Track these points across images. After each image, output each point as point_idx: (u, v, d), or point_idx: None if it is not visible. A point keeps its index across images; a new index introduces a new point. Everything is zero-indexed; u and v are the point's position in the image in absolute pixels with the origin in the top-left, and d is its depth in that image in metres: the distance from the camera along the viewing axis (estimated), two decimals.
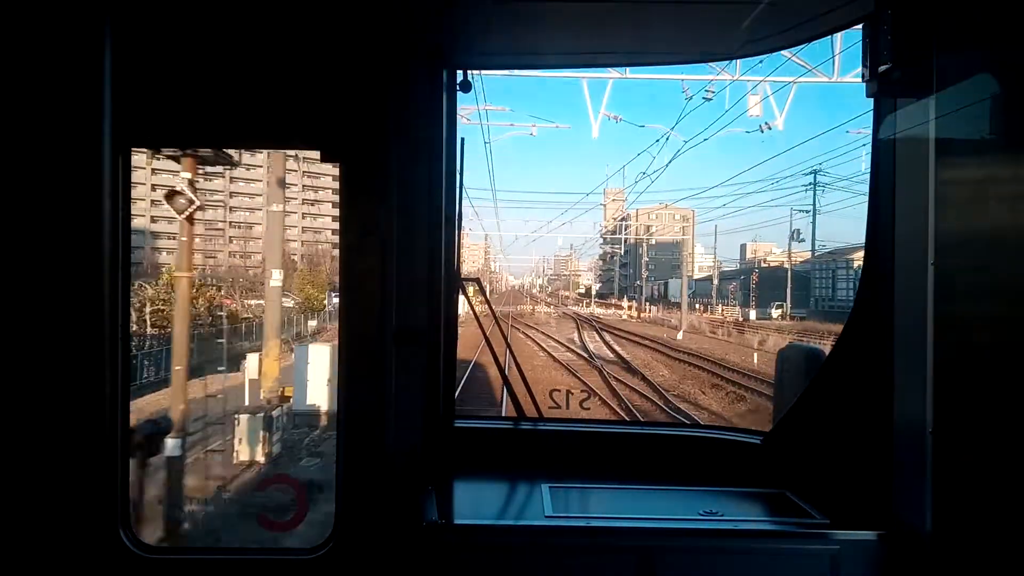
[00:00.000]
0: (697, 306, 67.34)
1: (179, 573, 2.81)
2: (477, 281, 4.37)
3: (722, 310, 61.35)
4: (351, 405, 2.80)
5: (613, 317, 60.61)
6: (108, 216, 2.60)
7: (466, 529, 2.82)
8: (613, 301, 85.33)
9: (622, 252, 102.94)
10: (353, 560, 2.73)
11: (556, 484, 3.20)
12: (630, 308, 70.39)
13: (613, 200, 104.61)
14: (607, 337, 39.13)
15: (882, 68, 2.86)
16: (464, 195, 3.35)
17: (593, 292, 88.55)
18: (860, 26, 2.98)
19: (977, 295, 2.47)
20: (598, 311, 69.65)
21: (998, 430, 2.29)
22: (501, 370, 3.96)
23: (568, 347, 32.95)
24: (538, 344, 34.15)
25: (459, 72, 3.27)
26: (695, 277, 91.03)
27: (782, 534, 2.90)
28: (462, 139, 3.26)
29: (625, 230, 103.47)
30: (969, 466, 2.47)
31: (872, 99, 3.00)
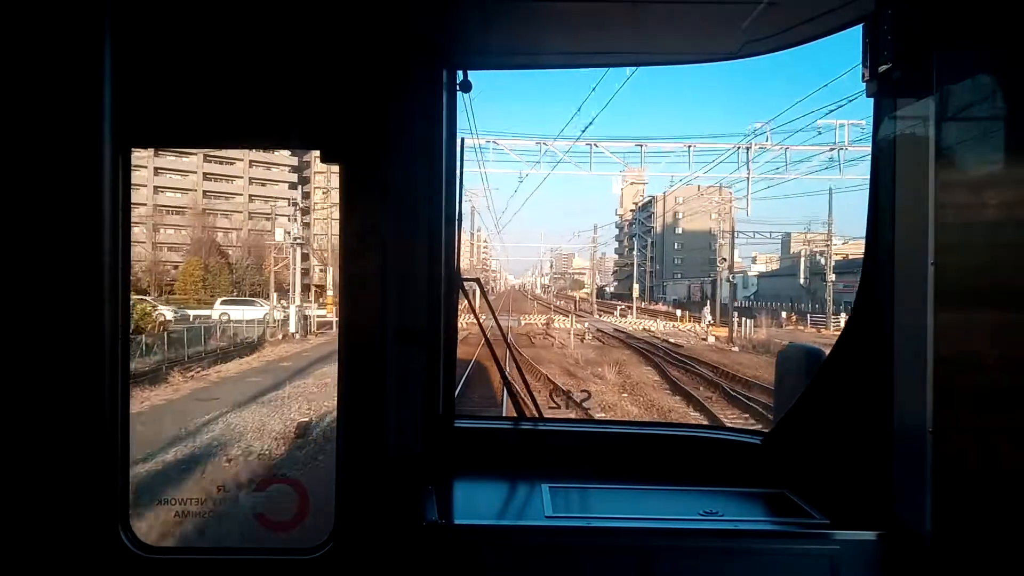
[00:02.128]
0: (783, 315, 54.32)
1: (179, 573, 3.13)
2: (477, 281, 4.79)
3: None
4: (351, 405, 3.10)
5: (678, 335, 45.50)
6: (108, 216, 2.88)
7: (466, 529, 3.16)
8: (641, 305, 74.34)
9: (651, 241, 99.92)
10: (353, 560, 3.03)
11: (556, 484, 3.56)
12: (713, 326, 48.57)
13: (632, 184, 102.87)
14: None
15: (882, 68, 3.21)
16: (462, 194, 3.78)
17: (635, 293, 78.17)
18: (860, 26, 3.34)
19: (977, 295, 2.69)
20: (650, 325, 52.35)
21: (998, 430, 2.53)
22: (501, 371, 4.38)
23: None
24: None
25: (459, 72, 3.67)
26: (749, 273, 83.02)
27: (782, 534, 3.25)
28: (462, 139, 3.67)
29: (650, 218, 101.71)
30: (969, 466, 2.70)
31: (872, 99, 3.36)
